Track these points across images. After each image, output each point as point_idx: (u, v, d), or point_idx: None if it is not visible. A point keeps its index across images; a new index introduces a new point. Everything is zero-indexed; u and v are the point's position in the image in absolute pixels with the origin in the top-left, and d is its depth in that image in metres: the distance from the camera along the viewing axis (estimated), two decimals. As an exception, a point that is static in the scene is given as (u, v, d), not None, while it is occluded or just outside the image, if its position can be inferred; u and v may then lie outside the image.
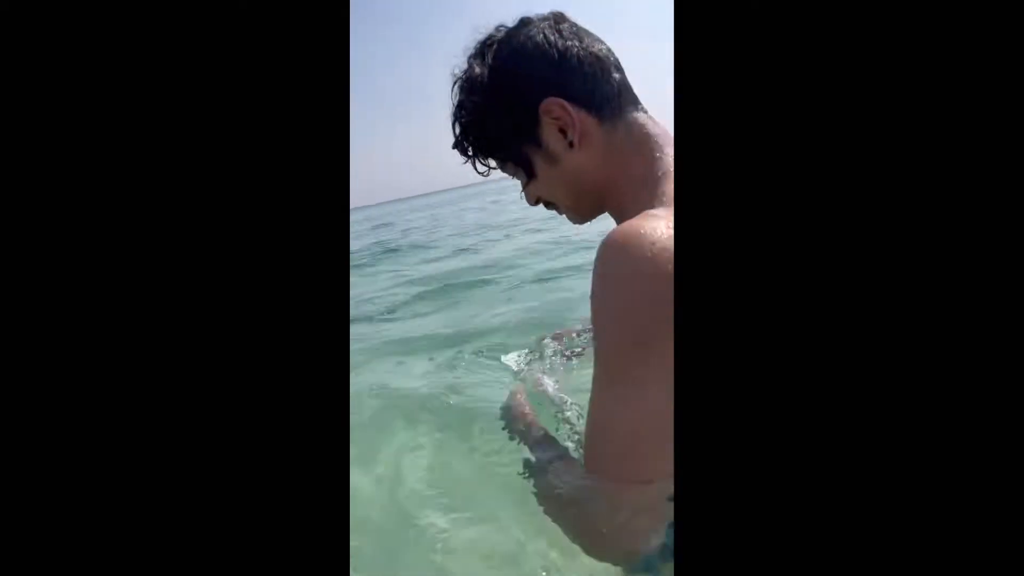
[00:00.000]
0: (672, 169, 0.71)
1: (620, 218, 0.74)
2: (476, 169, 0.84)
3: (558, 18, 0.78)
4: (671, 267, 0.56)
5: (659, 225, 0.60)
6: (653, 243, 0.58)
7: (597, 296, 0.62)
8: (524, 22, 0.79)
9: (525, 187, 0.82)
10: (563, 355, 1.28)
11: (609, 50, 0.78)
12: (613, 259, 0.61)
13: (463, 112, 0.79)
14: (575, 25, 0.78)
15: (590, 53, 0.75)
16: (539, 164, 0.77)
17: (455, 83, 0.80)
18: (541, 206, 0.85)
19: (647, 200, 0.69)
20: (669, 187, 0.69)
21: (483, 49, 0.79)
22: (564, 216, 0.85)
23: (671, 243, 0.58)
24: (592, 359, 0.63)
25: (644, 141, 0.75)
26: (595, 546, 0.61)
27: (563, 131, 0.74)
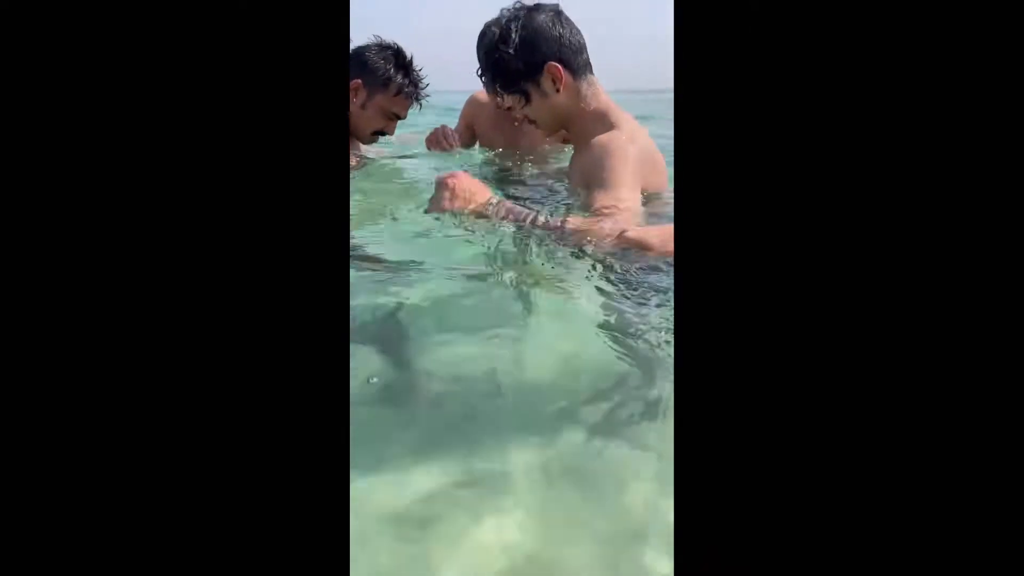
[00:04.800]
0: (608, 105, 1.43)
1: (578, 135, 1.45)
2: (496, 94, 1.48)
3: (559, 11, 1.41)
4: (637, 144, 1.36)
5: (625, 133, 1.38)
6: (631, 135, 1.38)
7: (598, 156, 1.32)
8: (539, 7, 1.40)
9: (519, 107, 1.44)
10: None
11: (582, 38, 1.42)
12: (607, 140, 1.34)
13: (495, 55, 1.38)
14: (567, 18, 1.41)
15: (575, 40, 1.40)
16: (534, 97, 1.41)
17: (494, 37, 1.38)
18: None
19: (602, 126, 1.39)
20: (615, 116, 1.41)
21: (515, 17, 1.38)
22: (533, 128, 1.52)
23: (638, 134, 1.40)
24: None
25: (596, 93, 1.43)
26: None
27: (554, 81, 1.38)
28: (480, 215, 1.24)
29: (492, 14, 1.46)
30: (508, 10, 1.42)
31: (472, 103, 2.39)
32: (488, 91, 1.51)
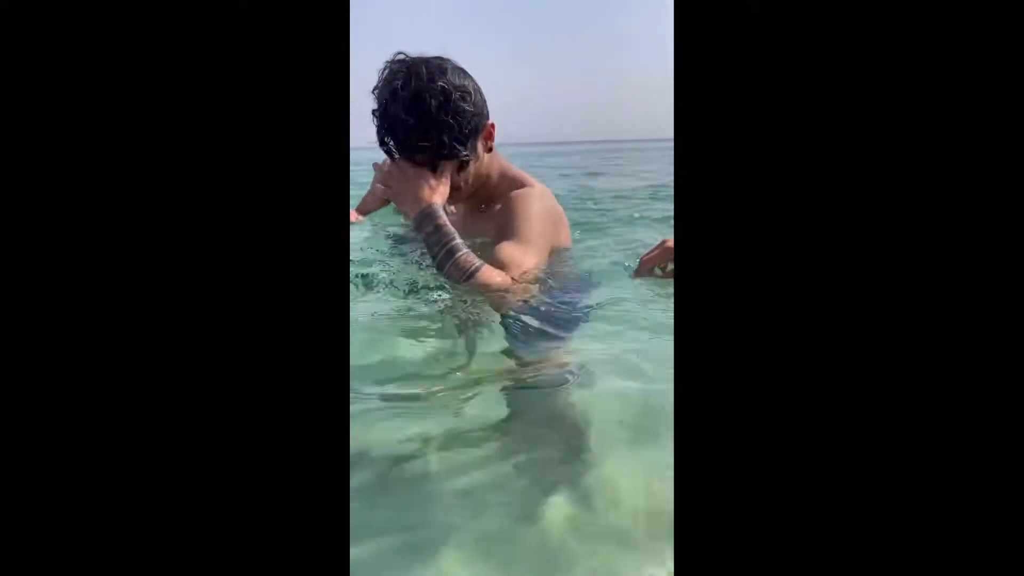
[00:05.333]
0: (508, 164, 1.37)
1: (490, 195, 1.35)
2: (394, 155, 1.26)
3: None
4: (550, 202, 1.38)
5: (538, 189, 1.36)
6: (543, 192, 1.36)
7: (519, 209, 1.27)
8: (442, 59, 1.21)
9: (454, 171, 1.23)
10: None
11: None
12: (528, 195, 1.31)
13: (453, 115, 1.17)
14: None
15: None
16: (472, 160, 1.25)
17: (448, 95, 1.17)
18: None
19: (513, 184, 1.35)
20: (519, 174, 1.37)
21: (444, 71, 1.18)
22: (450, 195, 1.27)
23: (548, 192, 1.39)
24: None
25: (497, 152, 1.35)
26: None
27: (487, 140, 1.29)
28: (414, 215, 1.18)
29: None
30: (408, 65, 1.18)
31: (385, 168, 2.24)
32: (420, 157, 1.20)
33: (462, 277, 1.12)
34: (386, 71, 1.19)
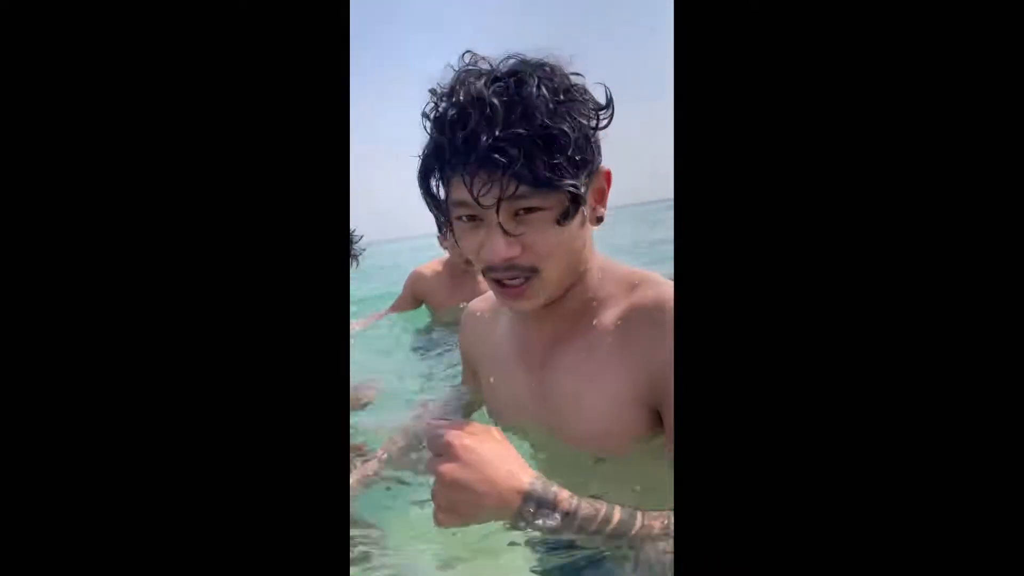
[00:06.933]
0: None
1: (588, 299, 0.76)
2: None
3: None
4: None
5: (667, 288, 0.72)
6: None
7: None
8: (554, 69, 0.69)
9: (552, 233, 0.67)
10: None
11: None
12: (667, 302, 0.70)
13: (564, 111, 0.64)
14: None
15: None
16: (572, 219, 0.67)
17: (560, 86, 0.65)
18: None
19: (624, 280, 0.76)
20: (622, 266, 0.79)
21: (551, 77, 0.66)
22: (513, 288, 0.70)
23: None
24: None
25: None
26: None
27: (598, 200, 0.73)
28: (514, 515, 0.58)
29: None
30: (526, 62, 0.67)
31: (417, 278, 2.18)
32: (499, 193, 0.63)
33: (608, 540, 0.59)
34: (460, 76, 0.67)
